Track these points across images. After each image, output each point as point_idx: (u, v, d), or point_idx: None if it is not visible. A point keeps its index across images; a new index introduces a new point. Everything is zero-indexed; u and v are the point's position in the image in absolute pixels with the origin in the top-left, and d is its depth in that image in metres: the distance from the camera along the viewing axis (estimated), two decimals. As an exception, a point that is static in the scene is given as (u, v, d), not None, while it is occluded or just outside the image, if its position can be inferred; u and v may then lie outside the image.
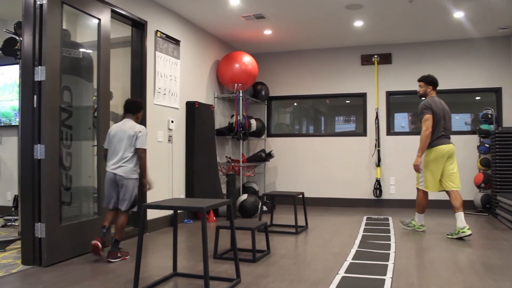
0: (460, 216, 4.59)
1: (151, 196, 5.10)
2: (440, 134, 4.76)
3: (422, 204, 4.94)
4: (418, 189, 4.96)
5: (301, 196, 5.44)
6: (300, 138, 7.77)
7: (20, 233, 3.79)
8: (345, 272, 3.36)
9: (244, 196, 6.22)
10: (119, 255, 3.77)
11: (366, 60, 7.43)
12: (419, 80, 4.99)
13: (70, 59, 4.21)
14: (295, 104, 8.17)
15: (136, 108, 4.01)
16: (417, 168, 4.81)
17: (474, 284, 3.07)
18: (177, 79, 5.74)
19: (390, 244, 4.37)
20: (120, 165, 3.78)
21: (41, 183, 3.58)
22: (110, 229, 3.97)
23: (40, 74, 3.60)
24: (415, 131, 7.27)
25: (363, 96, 7.45)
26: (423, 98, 5.00)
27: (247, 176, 7.30)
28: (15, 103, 5.97)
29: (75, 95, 4.25)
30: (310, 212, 6.60)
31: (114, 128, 3.90)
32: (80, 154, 4.39)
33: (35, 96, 3.61)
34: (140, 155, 3.84)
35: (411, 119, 7.47)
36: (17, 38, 4.26)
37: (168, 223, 5.42)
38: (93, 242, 3.69)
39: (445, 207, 6.92)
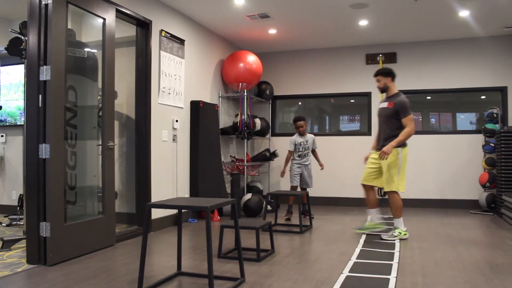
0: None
1: (156, 195, 5.11)
2: None
3: (401, 205, 4.58)
4: (394, 192, 4.55)
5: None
6: (304, 137, 7.76)
7: (25, 232, 3.80)
8: (350, 272, 3.36)
9: (248, 196, 6.22)
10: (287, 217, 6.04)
11: (371, 59, 7.41)
12: (376, 75, 4.77)
13: (75, 58, 4.23)
14: (300, 103, 8.16)
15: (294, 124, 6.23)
16: (384, 156, 4.41)
17: (480, 284, 3.06)
18: (181, 78, 5.74)
19: (394, 243, 4.36)
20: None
21: (46, 183, 3.59)
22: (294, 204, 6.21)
23: (45, 73, 3.61)
24: (420, 130, 7.26)
25: (367, 95, 7.43)
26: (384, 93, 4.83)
27: (251, 175, 7.30)
28: (20, 102, 6.00)
29: (80, 94, 4.27)
30: (315, 211, 6.59)
31: (294, 138, 6.12)
32: (85, 153, 4.41)
33: (40, 96, 3.62)
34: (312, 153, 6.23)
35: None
36: (22, 37, 4.27)
37: (172, 222, 5.43)
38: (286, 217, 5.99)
39: (446, 206, 6.90)
